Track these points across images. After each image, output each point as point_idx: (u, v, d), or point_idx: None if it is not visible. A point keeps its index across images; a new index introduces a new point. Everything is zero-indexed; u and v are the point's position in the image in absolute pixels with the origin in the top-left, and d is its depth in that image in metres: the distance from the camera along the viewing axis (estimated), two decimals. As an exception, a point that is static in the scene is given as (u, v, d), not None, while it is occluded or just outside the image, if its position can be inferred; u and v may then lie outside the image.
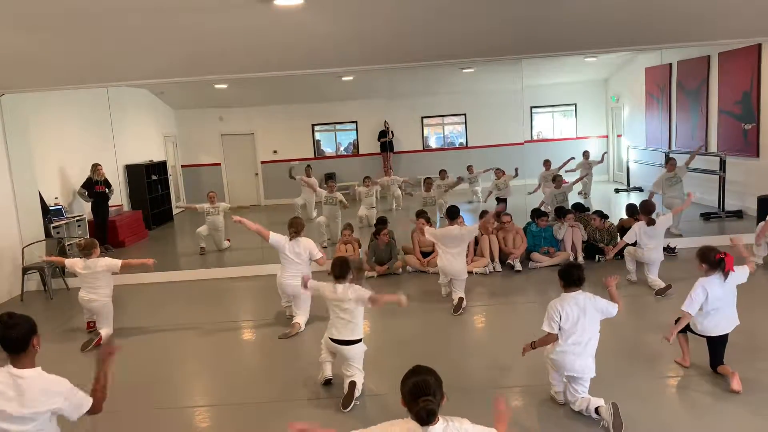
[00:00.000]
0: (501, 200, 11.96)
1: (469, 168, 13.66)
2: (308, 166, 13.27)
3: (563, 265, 4.29)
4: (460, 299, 6.44)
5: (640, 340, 5.45)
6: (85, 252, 6.21)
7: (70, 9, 5.57)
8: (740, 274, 4.45)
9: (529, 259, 8.16)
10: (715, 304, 4.35)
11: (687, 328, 4.54)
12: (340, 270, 4.64)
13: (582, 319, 3.98)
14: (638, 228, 6.70)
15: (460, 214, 7.19)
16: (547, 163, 12.26)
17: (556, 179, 10.44)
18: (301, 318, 6.16)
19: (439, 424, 2.43)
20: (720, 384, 4.38)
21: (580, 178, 11.77)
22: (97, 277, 6.14)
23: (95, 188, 10.39)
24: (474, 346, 5.65)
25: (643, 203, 7.01)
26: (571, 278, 4.07)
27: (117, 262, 6.16)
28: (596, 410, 3.91)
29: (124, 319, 6.93)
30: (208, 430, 4.42)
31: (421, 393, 2.40)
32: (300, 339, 5.95)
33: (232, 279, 8.56)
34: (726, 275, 4.35)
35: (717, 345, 4.44)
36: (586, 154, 13.36)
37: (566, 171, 12.37)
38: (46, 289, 8.31)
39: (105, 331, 6.23)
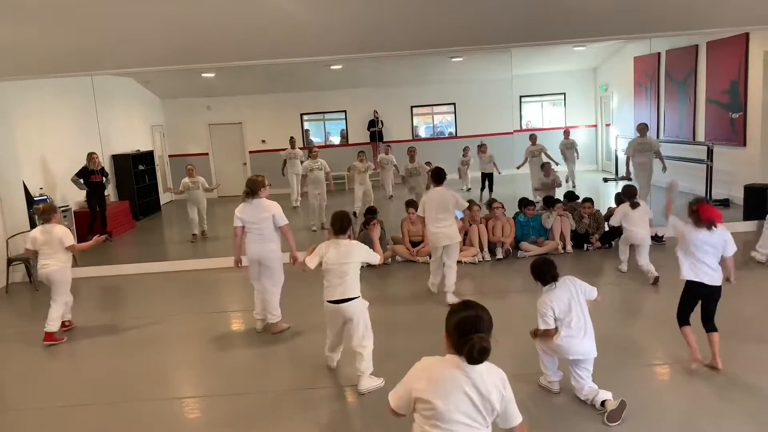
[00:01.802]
0: (486, 175, 12.28)
1: (465, 150, 13.70)
2: (292, 137, 13.35)
3: (533, 264, 4.18)
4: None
5: (629, 328, 5.49)
6: (45, 216, 6.05)
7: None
8: (724, 234, 4.32)
9: (517, 248, 8.18)
10: (702, 248, 4.28)
11: (687, 314, 4.44)
12: (341, 225, 4.50)
13: (574, 303, 3.98)
14: (622, 211, 6.79)
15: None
16: (533, 138, 12.30)
17: (544, 167, 10.50)
18: (273, 304, 5.75)
19: (485, 366, 2.32)
20: (709, 376, 4.37)
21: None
22: (53, 245, 5.96)
23: (90, 177, 10.23)
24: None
25: (626, 188, 7.08)
26: (544, 277, 4.06)
27: (70, 239, 6.04)
28: (602, 403, 3.90)
29: (112, 310, 6.88)
30: (197, 421, 4.39)
31: (474, 329, 2.25)
32: (291, 329, 5.92)
33: (220, 269, 8.51)
34: (710, 227, 4.26)
35: (707, 300, 4.38)
36: (566, 133, 13.43)
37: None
38: (32, 280, 8.22)
39: (61, 299, 6.03)
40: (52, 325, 5.97)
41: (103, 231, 10.41)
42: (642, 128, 9.74)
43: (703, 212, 4.28)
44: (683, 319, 4.48)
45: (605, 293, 6.31)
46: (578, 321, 3.98)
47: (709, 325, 4.40)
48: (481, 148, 12.61)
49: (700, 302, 4.44)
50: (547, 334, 4.03)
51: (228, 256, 8.74)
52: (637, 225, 6.74)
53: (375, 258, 4.59)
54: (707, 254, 4.30)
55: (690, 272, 4.36)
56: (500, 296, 6.74)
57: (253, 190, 5.58)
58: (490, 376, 2.34)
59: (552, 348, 4.09)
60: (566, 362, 4.12)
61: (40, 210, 6.18)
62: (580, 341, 3.97)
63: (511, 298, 6.66)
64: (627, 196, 6.91)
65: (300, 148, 13.64)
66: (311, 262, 4.48)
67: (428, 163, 11.88)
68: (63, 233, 6.02)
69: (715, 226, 4.28)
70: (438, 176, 6.39)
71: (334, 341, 4.73)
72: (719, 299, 4.40)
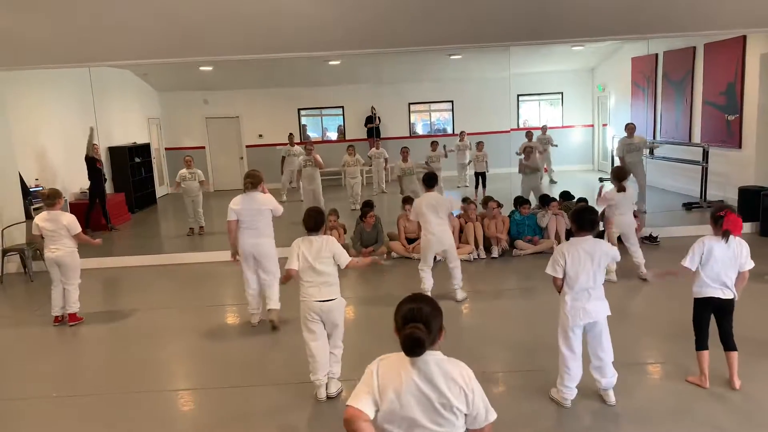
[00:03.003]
0: (479, 173, 12.39)
1: (461, 134, 13.78)
2: (291, 134, 13.52)
3: (575, 209, 4.16)
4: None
5: (619, 329, 5.51)
6: (49, 201, 6.08)
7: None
8: (743, 248, 4.09)
9: (513, 247, 8.21)
10: (715, 262, 4.05)
11: (703, 333, 4.16)
12: (315, 222, 4.29)
13: (589, 264, 3.87)
14: (611, 195, 6.63)
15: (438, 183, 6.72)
16: (529, 135, 12.42)
17: (525, 150, 10.57)
18: (274, 292, 5.80)
19: (436, 355, 2.17)
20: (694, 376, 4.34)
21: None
22: (60, 232, 6.02)
23: (96, 165, 10.30)
24: (459, 332, 5.66)
25: (617, 169, 6.84)
26: (582, 222, 3.97)
27: (78, 226, 6.11)
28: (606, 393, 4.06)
29: (107, 302, 6.88)
30: (190, 414, 4.41)
31: (412, 321, 2.13)
32: (282, 323, 5.94)
33: (215, 263, 8.50)
34: (725, 235, 4.04)
35: (720, 315, 4.14)
36: (544, 128, 13.51)
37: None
38: (27, 271, 8.20)
39: (75, 282, 6.15)
40: (75, 306, 6.19)
41: (108, 221, 10.58)
42: (628, 128, 10.00)
43: (726, 222, 4.04)
44: (700, 341, 4.18)
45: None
46: (586, 282, 3.87)
47: (727, 344, 4.17)
48: (478, 146, 12.68)
49: (714, 318, 4.18)
50: (555, 284, 4.02)
51: (224, 250, 8.79)
52: (623, 209, 6.60)
53: (345, 259, 4.30)
54: (720, 265, 4.05)
55: (698, 289, 4.13)
56: (495, 294, 6.76)
57: (254, 182, 5.65)
58: (448, 370, 2.15)
59: (565, 319, 3.97)
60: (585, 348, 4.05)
61: (44, 195, 6.22)
62: (584, 303, 3.90)
63: (505, 297, 6.69)
64: (617, 178, 6.67)
65: (297, 143, 13.69)
66: (292, 264, 4.24)
67: (434, 143, 12.05)
68: (70, 220, 6.07)
69: (727, 239, 4.04)
70: (429, 181, 6.30)
71: (317, 348, 4.28)
72: (732, 313, 4.13)
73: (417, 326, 2.11)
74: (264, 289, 5.87)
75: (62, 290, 6.20)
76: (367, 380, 2.19)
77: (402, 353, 2.17)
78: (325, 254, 4.20)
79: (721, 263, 4.06)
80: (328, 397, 4.34)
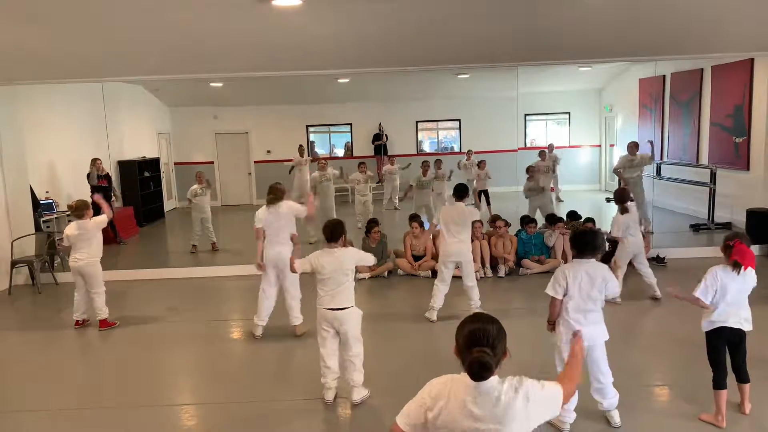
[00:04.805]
0: (482, 191, 12.33)
1: (468, 153, 13.82)
2: (300, 145, 13.07)
3: (575, 232, 4.13)
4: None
5: (626, 351, 5.49)
6: (78, 213, 6.29)
7: (66, 3, 5.56)
8: (750, 277, 3.97)
9: (519, 265, 8.20)
10: (729, 295, 3.90)
11: (721, 369, 4.02)
12: (332, 232, 4.40)
13: (590, 288, 3.84)
14: (622, 219, 6.55)
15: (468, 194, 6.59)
16: (542, 155, 12.40)
17: (529, 170, 10.69)
18: (296, 308, 5.98)
19: (495, 381, 2.10)
20: (710, 403, 4.20)
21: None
22: (89, 238, 6.24)
23: (99, 182, 10.38)
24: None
25: (619, 191, 6.78)
26: (583, 245, 3.92)
27: (104, 221, 6.37)
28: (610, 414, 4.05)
29: (114, 315, 6.89)
30: (195, 429, 4.40)
31: (477, 342, 2.07)
32: (289, 338, 5.94)
33: (223, 278, 8.54)
34: (734, 267, 3.88)
35: (733, 345, 4.02)
36: (550, 147, 13.53)
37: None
38: (35, 283, 8.25)
39: (100, 289, 6.34)
40: (102, 313, 6.41)
41: (116, 236, 10.59)
42: (630, 147, 10.28)
43: (735, 252, 3.88)
44: (719, 379, 4.00)
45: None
46: (583, 305, 3.84)
47: (740, 376, 4.07)
48: (480, 165, 12.72)
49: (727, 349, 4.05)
50: (554, 305, 3.92)
51: (231, 265, 8.84)
52: (633, 230, 6.55)
53: (369, 258, 4.58)
54: (734, 299, 3.93)
55: (709, 322, 3.99)
56: (501, 314, 6.63)
57: (277, 196, 5.88)
58: (508, 404, 2.08)
59: (560, 336, 3.94)
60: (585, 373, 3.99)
61: (72, 207, 6.46)
62: (583, 326, 3.82)
63: (512, 316, 6.65)
64: (619, 200, 6.62)
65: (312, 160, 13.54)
66: (300, 267, 4.46)
67: (438, 161, 12.12)
68: (96, 220, 6.29)
69: (738, 271, 3.88)
70: (460, 192, 6.32)
71: (327, 354, 4.45)
72: (744, 343, 4.02)
73: (484, 350, 2.06)
74: (287, 309, 6.05)
75: (85, 296, 6.41)
76: (422, 396, 2.18)
77: (454, 378, 2.16)
78: (348, 265, 4.36)
79: (736, 296, 3.93)
80: (353, 405, 4.42)
